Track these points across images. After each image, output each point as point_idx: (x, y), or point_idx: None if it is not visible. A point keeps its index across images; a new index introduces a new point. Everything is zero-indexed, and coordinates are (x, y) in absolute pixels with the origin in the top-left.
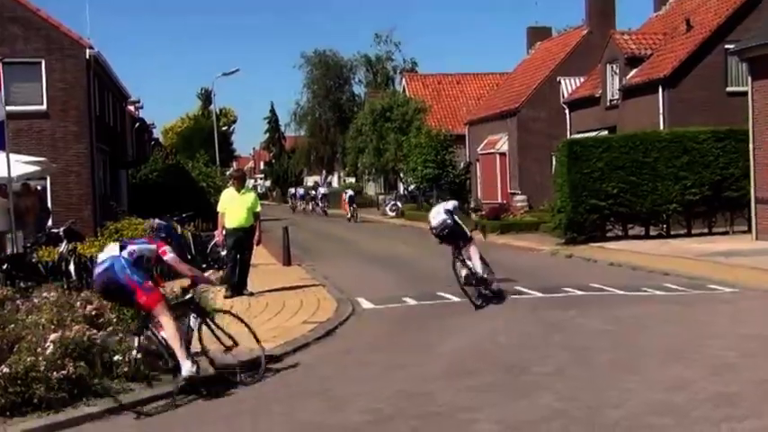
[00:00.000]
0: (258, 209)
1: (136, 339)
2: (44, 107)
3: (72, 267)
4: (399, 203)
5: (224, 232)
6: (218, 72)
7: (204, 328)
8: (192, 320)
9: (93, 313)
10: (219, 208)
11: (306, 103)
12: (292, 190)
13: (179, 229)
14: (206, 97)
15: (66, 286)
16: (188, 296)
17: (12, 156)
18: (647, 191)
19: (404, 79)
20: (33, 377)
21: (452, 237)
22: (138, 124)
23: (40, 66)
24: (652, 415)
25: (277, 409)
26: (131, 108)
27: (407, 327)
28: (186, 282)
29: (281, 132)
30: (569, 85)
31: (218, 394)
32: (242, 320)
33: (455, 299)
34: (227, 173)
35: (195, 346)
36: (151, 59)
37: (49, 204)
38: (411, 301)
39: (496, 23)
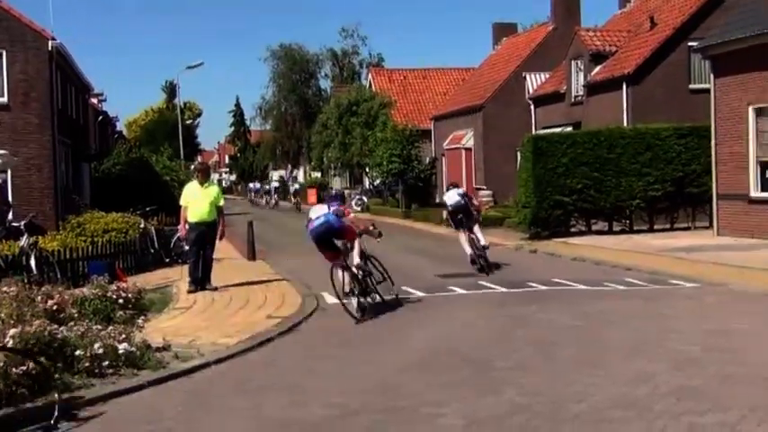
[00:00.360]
0: (221, 203)
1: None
2: (5, 99)
3: (33, 262)
4: (365, 198)
5: (187, 226)
6: (182, 65)
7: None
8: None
9: (54, 308)
10: (182, 201)
11: (271, 97)
12: (251, 185)
13: (142, 223)
14: (170, 90)
15: (26, 281)
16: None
17: None
18: (611, 187)
19: (370, 74)
20: None
21: (466, 216)
22: (101, 117)
23: (1, 57)
24: (614, 408)
25: (241, 404)
26: (94, 101)
27: (372, 322)
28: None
29: (246, 126)
30: (534, 81)
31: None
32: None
33: (419, 293)
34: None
35: None
36: (115, 52)
37: (10, 198)
38: (375, 297)
39: (462, 19)
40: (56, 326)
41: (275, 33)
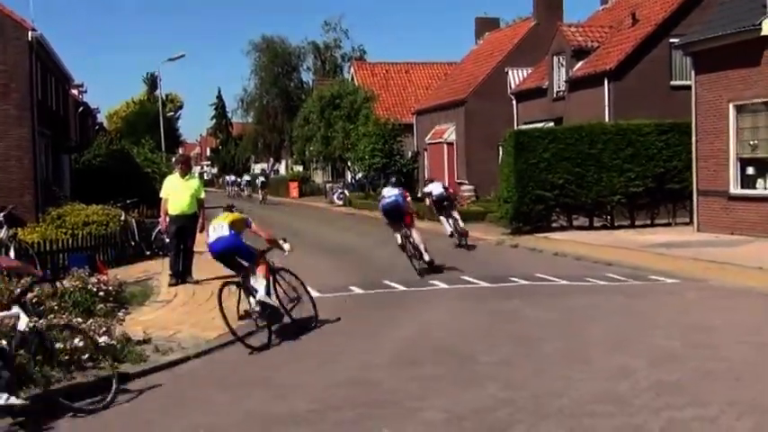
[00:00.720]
0: (202, 195)
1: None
2: None
3: (12, 254)
4: (347, 192)
5: (167, 219)
6: (163, 57)
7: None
8: None
9: (34, 301)
10: (162, 194)
11: (253, 90)
12: (227, 177)
13: (123, 216)
14: (152, 82)
15: (5, 273)
16: None
17: None
18: (592, 182)
19: (352, 67)
20: None
21: (448, 204)
22: (81, 108)
23: None
24: (595, 403)
25: (222, 398)
26: (75, 92)
27: (354, 316)
28: None
29: (227, 119)
30: (517, 76)
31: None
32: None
33: (401, 288)
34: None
35: None
36: (96, 43)
37: None
38: (357, 290)
39: (445, 13)
40: (35, 319)
41: (257, 26)
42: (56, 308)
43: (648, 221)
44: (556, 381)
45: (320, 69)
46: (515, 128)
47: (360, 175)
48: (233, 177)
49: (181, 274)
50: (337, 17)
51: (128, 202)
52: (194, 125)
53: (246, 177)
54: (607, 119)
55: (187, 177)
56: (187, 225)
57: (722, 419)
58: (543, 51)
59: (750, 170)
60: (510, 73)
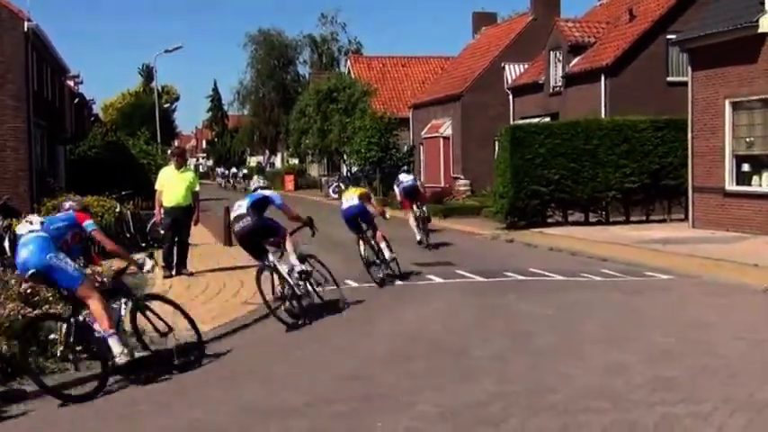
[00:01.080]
0: (197, 188)
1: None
2: None
3: (6, 244)
4: (342, 185)
5: (162, 211)
6: (160, 48)
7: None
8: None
9: (29, 291)
10: (157, 186)
11: (249, 83)
12: (218, 170)
13: (118, 207)
14: (147, 74)
15: (0, 263)
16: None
17: None
18: (588, 178)
19: (349, 61)
20: None
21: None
22: (77, 99)
23: None
24: (590, 398)
25: (217, 392)
26: (71, 83)
27: (348, 310)
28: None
29: (223, 111)
30: (513, 71)
31: (154, 378)
32: (175, 304)
33: (397, 282)
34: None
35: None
36: (92, 34)
37: None
38: (353, 284)
39: (442, 7)
40: (30, 309)
41: (254, 18)
42: (50, 299)
43: (643, 217)
44: (550, 376)
45: (317, 63)
46: (511, 123)
47: (355, 168)
48: (223, 170)
49: (176, 267)
50: (334, 10)
51: (123, 193)
52: (190, 117)
53: (242, 170)
54: (603, 115)
55: (182, 170)
56: (182, 217)
57: (716, 416)
58: (540, 47)
59: (746, 167)
60: (506, 68)
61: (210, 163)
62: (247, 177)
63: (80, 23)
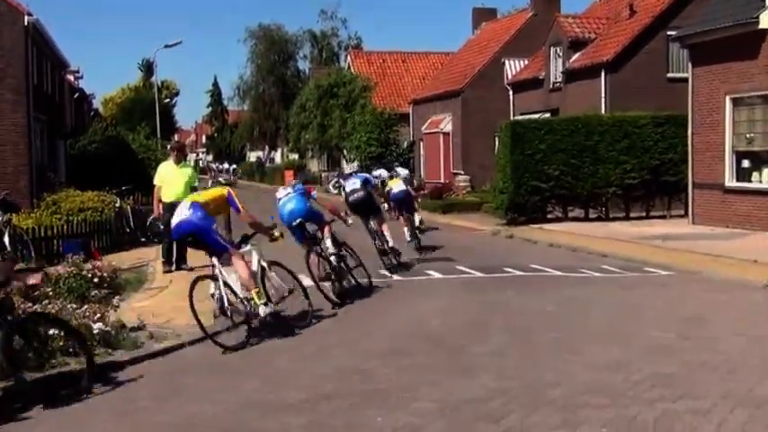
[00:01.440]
0: (196, 183)
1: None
2: None
3: (6, 239)
4: (342, 181)
5: (161, 206)
6: (160, 43)
7: None
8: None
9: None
10: (156, 181)
11: (249, 78)
12: (212, 165)
13: (118, 202)
14: (147, 68)
15: (0, 258)
16: None
17: None
18: (588, 174)
19: (349, 56)
20: None
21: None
22: (77, 94)
23: None
24: (589, 394)
25: (216, 386)
26: (71, 77)
27: (347, 306)
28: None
29: (223, 106)
30: (513, 67)
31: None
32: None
33: (396, 277)
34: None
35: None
36: (92, 29)
37: None
38: (352, 279)
39: (442, 2)
40: (30, 304)
41: (254, 13)
42: (50, 294)
43: (643, 213)
44: (549, 371)
45: (317, 58)
46: (512, 119)
47: (355, 163)
48: (218, 165)
49: (176, 261)
50: (334, 6)
51: (123, 188)
52: (190, 112)
53: (226, 166)
54: (603, 110)
55: (181, 165)
56: None
57: (716, 412)
58: (540, 42)
59: (746, 163)
60: (507, 63)
61: (210, 158)
62: (236, 173)
63: (80, 18)
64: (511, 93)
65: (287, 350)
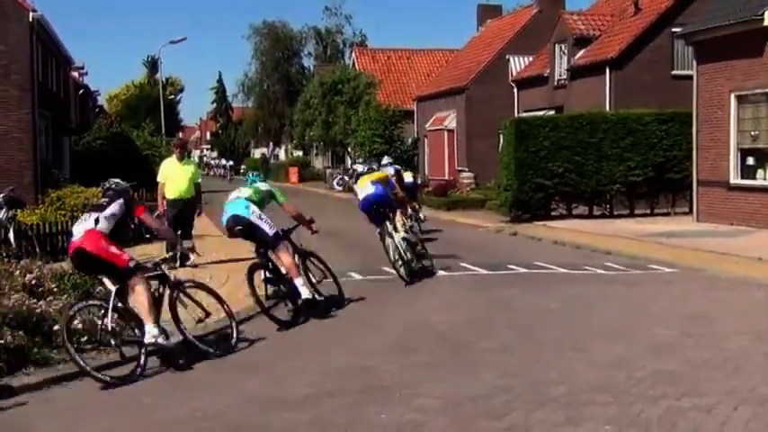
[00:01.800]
0: (199, 179)
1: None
2: None
3: (11, 235)
4: (347, 177)
5: (165, 203)
6: (165, 40)
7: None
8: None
9: (33, 282)
10: (160, 178)
11: (254, 75)
12: (212, 161)
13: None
14: (152, 65)
15: (5, 254)
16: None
17: None
18: (592, 171)
19: (353, 53)
20: None
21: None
22: (81, 91)
23: None
24: (593, 392)
25: (220, 382)
26: (75, 74)
27: (352, 302)
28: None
29: (228, 103)
30: (518, 64)
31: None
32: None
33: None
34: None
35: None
36: (96, 25)
37: None
38: (356, 276)
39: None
40: (34, 300)
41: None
42: (55, 290)
43: (648, 211)
44: (553, 369)
45: (321, 55)
46: (516, 116)
47: (360, 160)
48: (217, 161)
49: (180, 258)
50: (339, 2)
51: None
52: (195, 109)
53: (224, 161)
54: (608, 108)
55: (184, 161)
56: (185, 209)
57: (719, 409)
58: (545, 39)
59: (750, 160)
60: (511, 60)
61: (215, 154)
62: (233, 168)
63: (84, 16)
64: (515, 90)
65: (291, 346)
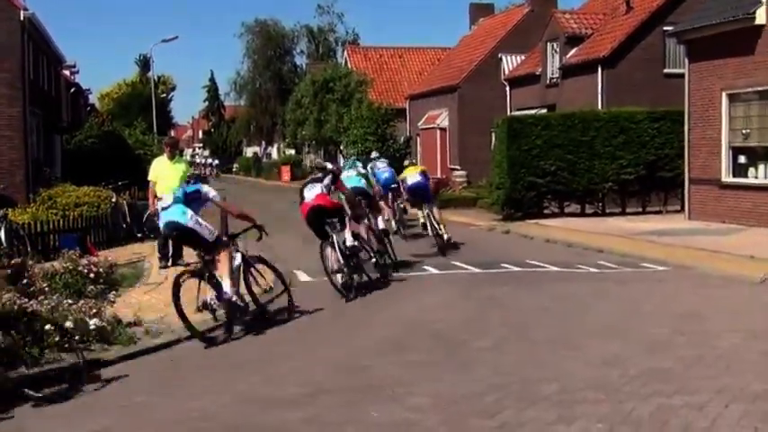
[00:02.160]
0: None
1: None
2: None
3: (2, 234)
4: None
5: (157, 202)
6: (156, 38)
7: None
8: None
9: (24, 281)
10: (151, 176)
11: (246, 73)
12: (198, 160)
13: (114, 197)
14: (144, 64)
15: None
16: None
17: None
18: (584, 169)
19: (346, 51)
20: None
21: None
22: (73, 89)
23: None
24: (585, 390)
25: (213, 381)
26: (67, 72)
27: (343, 302)
28: None
29: (220, 101)
30: (510, 63)
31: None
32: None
33: (392, 273)
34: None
35: None
36: (88, 24)
37: None
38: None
39: None
40: (25, 299)
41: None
42: (46, 289)
43: (640, 209)
44: (545, 367)
45: (314, 53)
46: (508, 114)
47: (352, 159)
48: (202, 160)
49: (172, 257)
50: (331, 1)
51: (119, 183)
52: (187, 108)
53: (211, 161)
54: (600, 106)
55: (175, 160)
56: None
57: (711, 407)
58: (537, 38)
59: (742, 159)
60: (503, 59)
61: (207, 153)
62: (218, 167)
63: (76, 15)
64: (507, 88)
65: (284, 345)
